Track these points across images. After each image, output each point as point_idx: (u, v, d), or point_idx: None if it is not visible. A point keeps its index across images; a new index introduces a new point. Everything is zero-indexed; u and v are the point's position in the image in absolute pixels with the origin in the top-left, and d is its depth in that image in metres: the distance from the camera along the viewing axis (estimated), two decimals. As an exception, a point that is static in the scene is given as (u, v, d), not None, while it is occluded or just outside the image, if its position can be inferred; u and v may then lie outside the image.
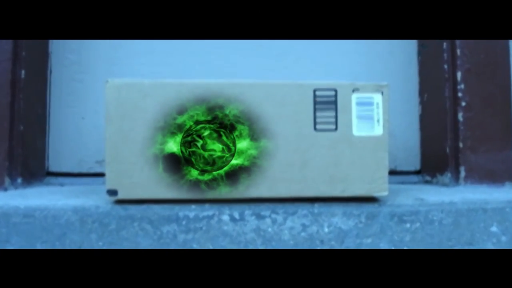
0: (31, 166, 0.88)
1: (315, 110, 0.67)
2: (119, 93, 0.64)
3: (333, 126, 0.67)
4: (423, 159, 1.01)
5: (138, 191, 0.65)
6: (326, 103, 0.67)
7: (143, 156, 0.65)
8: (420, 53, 1.03)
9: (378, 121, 0.68)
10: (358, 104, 0.68)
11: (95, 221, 0.64)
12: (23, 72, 0.85)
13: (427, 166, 0.99)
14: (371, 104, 0.68)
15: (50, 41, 0.98)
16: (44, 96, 0.95)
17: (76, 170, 0.96)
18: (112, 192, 0.65)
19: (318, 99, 0.67)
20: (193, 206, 0.66)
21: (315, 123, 0.67)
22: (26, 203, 0.67)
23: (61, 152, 0.97)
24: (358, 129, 0.67)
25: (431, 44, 0.97)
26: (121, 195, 0.65)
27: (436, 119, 0.95)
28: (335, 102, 0.67)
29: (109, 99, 0.64)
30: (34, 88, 0.90)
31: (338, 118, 0.67)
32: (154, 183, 0.65)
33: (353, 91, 0.67)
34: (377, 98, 0.68)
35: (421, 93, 1.02)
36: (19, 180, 0.84)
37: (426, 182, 0.98)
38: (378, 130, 0.68)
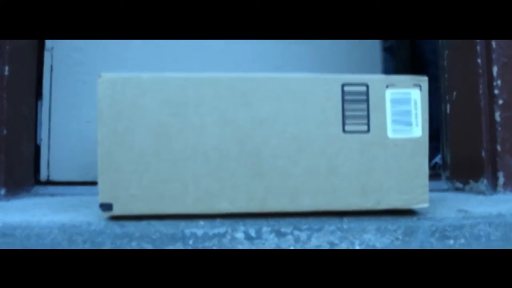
0: (16, 174, 0.79)
1: (343, 108, 0.57)
2: (113, 89, 0.55)
3: (365, 127, 0.57)
4: (453, 164, 0.91)
5: (136, 205, 0.55)
6: (356, 101, 0.57)
7: (143, 164, 0.55)
8: (448, 46, 0.93)
9: (416, 121, 0.58)
10: (393, 101, 0.58)
11: (86, 240, 0.54)
12: (6, 68, 0.75)
13: (458, 171, 0.89)
14: (408, 101, 0.58)
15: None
16: (32, 96, 0.86)
17: (80, 178, 0.87)
18: (106, 207, 0.55)
19: (347, 96, 0.57)
20: (201, 222, 0.56)
21: (343, 124, 0.57)
22: (6, 219, 0.57)
23: (63, 158, 0.90)
24: (394, 131, 0.58)
25: (461, 36, 0.87)
26: (116, 210, 0.55)
27: (469, 119, 0.85)
28: (366, 100, 0.58)
29: (102, 96, 0.55)
30: (20, 87, 0.80)
31: (370, 117, 0.58)
32: (155, 195, 0.55)
33: (387, 86, 0.58)
34: (415, 94, 0.58)
35: (449, 90, 0.92)
36: (2, 191, 0.74)
37: (457, 189, 0.89)
38: (416, 131, 0.58)
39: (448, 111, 0.92)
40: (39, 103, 0.94)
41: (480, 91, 0.82)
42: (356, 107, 0.57)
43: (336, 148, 0.57)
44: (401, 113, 0.58)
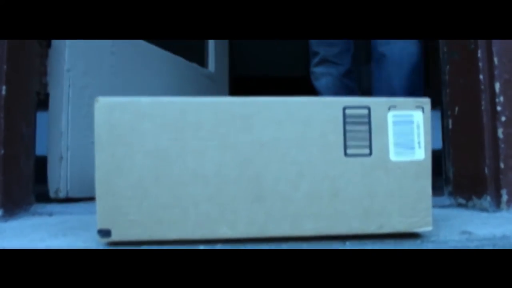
0: (14, 194, 0.78)
1: (345, 131, 0.56)
2: (111, 114, 0.54)
3: (367, 151, 0.57)
4: (455, 179, 0.90)
5: (135, 231, 0.54)
6: (358, 124, 0.57)
7: (142, 189, 0.54)
8: (449, 61, 0.92)
9: (419, 143, 0.57)
10: (396, 123, 0.57)
11: (84, 267, 0.53)
12: (4, 87, 0.74)
13: (461, 187, 0.88)
14: (410, 123, 0.57)
15: (67, 56, 0.98)
16: (31, 115, 0.85)
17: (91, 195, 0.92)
18: (105, 233, 0.54)
19: (348, 119, 0.56)
20: (201, 247, 0.55)
21: (345, 147, 0.56)
22: (3, 245, 0.56)
23: (79, 176, 0.98)
24: (396, 154, 0.57)
25: (463, 52, 0.87)
26: (115, 236, 0.54)
27: (471, 135, 0.84)
28: (368, 122, 0.57)
29: (100, 121, 0.54)
30: (19, 105, 0.80)
31: (373, 140, 0.57)
32: (155, 221, 0.54)
33: (389, 108, 0.57)
34: (418, 116, 0.57)
35: (451, 106, 0.91)
36: (0, 212, 0.73)
37: (460, 205, 0.88)
38: (419, 154, 0.57)
39: (450, 126, 0.92)
40: (44, 115, 0.98)
41: (483, 107, 0.81)
42: (358, 130, 0.56)
43: (338, 172, 0.56)
44: (403, 135, 0.57)
